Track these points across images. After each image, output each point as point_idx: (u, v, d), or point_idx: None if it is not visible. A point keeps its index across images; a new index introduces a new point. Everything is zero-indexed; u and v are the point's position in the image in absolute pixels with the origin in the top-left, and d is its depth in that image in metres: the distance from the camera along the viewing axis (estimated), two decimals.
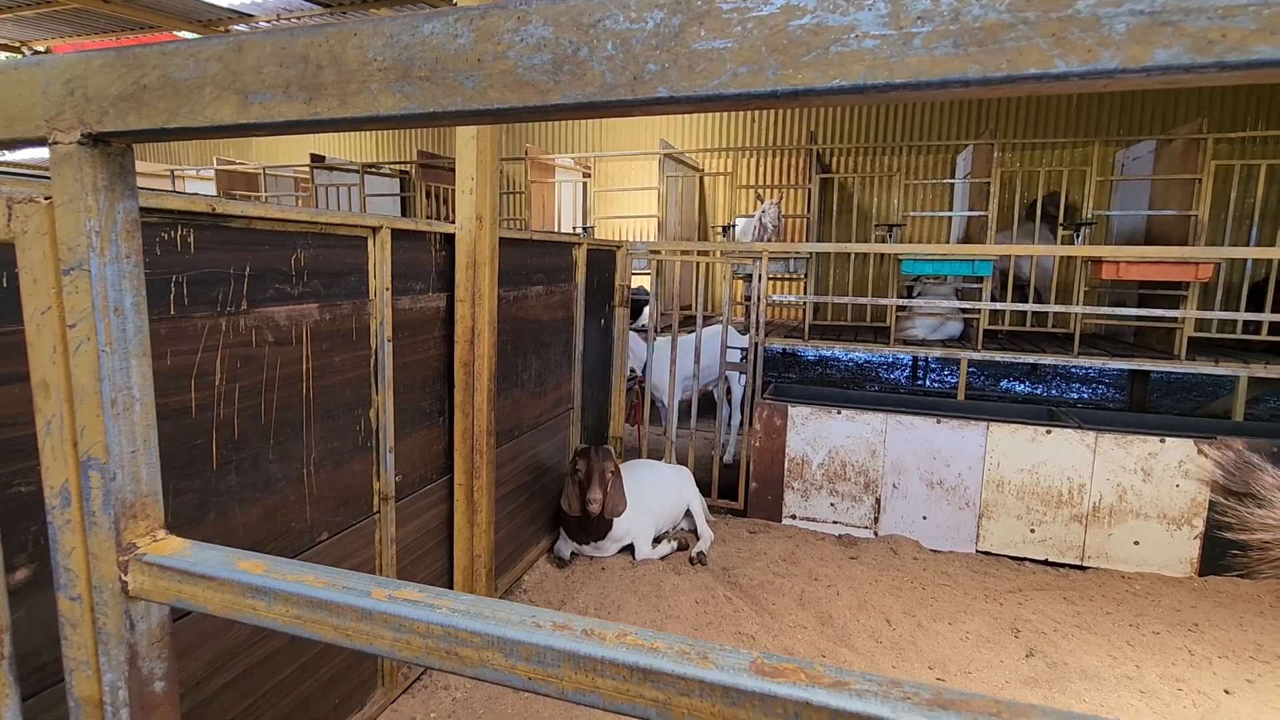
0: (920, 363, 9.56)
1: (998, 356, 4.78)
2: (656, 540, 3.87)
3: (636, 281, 6.67)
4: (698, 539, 3.94)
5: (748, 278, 5.45)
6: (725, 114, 10.05)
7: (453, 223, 2.68)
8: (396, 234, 2.34)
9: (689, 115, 10.15)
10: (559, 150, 10.30)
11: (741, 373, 4.65)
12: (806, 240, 8.38)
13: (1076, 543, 3.82)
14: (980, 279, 5.42)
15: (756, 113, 9.96)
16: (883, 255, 6.87)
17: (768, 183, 9.52)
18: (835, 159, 9.64)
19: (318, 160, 8.63)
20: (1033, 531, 3.89)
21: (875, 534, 4.16)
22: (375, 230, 2.25)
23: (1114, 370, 7.80)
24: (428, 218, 8.52)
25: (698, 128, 10.13)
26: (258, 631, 1.88)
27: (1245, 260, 5.60)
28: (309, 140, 11.18)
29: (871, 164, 9.60)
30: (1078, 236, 6.31)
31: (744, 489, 4.48)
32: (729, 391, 5.40)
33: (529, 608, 0.52)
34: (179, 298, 1.60)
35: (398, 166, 9.61)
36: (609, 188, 9.15)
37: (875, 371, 10.02)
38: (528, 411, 3.46)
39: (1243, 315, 4.56)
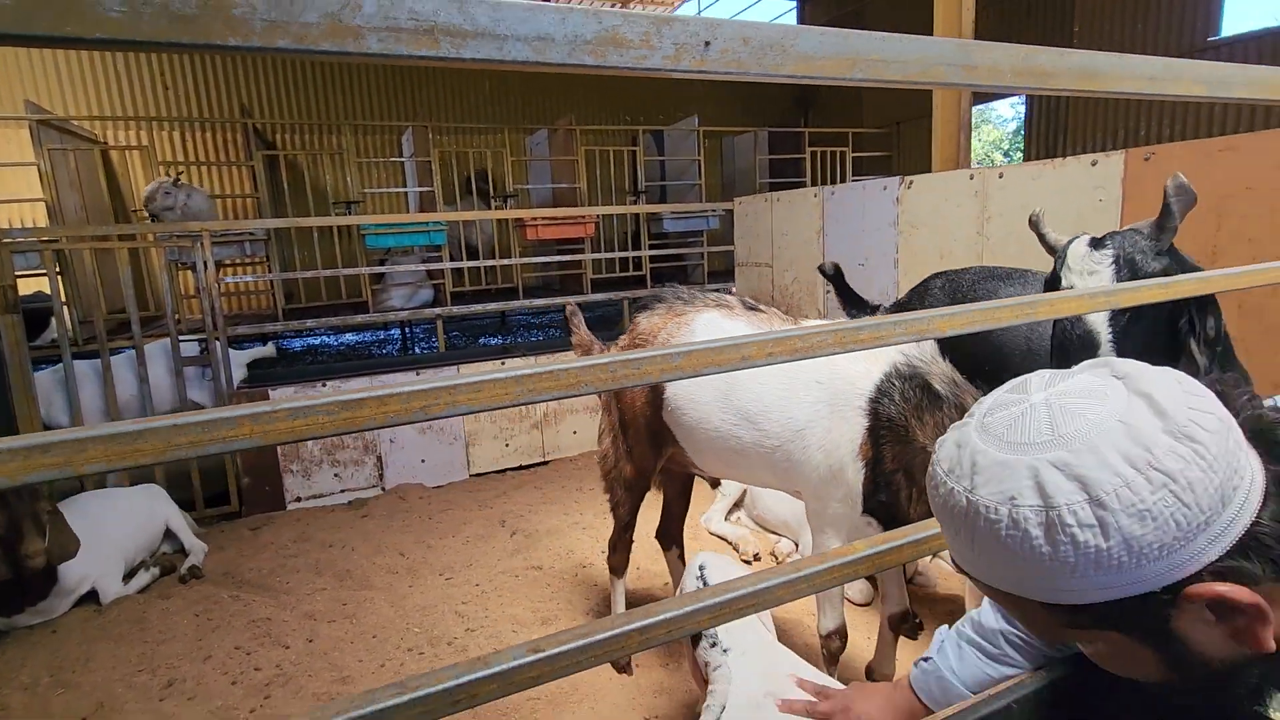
0: (409, 334, 10.05)
1: (457, 310, 5.54)
2: (130, 575, 3.31)
3: (37, 286, 5.19)
4: (186, 556, 3.52)
5: (194, 267, 4.85)
6: (125, 77, 8.35)
7: None
8: None
9: (69, 72, 8.08)
10: None
11: (205, 366, 4.22)
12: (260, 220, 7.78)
13: (538, 445, 4.85)
14: (439, 248, 6.09)
15: (169, 79, 8.58)
16: (349, 233, 6.95)
17: (198, 159, 8.40)
18: (279, 135, 9.10)
19: None
20: (508, 445, 4.75)
21: (383, 489, 4.43)
22: None
23: (554, 314, 9.74)
24: None
25: (86, 89, 8.16)
26: None
27: (614, 222, 7.71)
28: None
29: (319, 141, 9.42)
30: (506, 206, 7.61)
31: (235, 489, 4.15)
32: None
33: None
34: None
35: None
36: None
37: (369, 350, 10.09)
38: None
39: (618, 254, 6.38)
